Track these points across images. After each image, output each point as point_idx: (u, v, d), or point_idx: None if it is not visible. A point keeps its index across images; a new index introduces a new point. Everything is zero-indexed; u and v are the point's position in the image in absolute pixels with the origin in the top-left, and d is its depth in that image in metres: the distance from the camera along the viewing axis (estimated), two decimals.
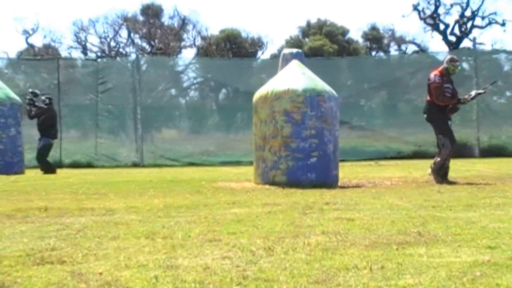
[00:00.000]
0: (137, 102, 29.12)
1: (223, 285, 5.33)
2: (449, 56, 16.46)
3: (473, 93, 16.53)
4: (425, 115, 16.12)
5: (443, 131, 15.61)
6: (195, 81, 34.89)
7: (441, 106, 15.62)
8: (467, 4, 53.65)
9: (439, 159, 15.59)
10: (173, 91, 33.90)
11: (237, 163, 25.18)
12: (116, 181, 17.76)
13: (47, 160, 22.48)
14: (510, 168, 17.35)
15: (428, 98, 15.91)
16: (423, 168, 20.80)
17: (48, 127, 22.59)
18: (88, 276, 5.64)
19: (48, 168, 22.19)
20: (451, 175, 16.04)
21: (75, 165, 25.79)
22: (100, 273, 5.76)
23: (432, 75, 15.91)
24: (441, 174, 15.40)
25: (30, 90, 23.84)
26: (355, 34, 54.36)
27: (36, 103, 22.67)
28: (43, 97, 22.89)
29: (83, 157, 27.61)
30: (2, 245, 7.23)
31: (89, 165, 26.66)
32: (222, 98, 33.08)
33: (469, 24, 54.26)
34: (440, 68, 16.08)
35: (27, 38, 55.53)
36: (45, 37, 56.09)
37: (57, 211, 10.23)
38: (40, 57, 45.95)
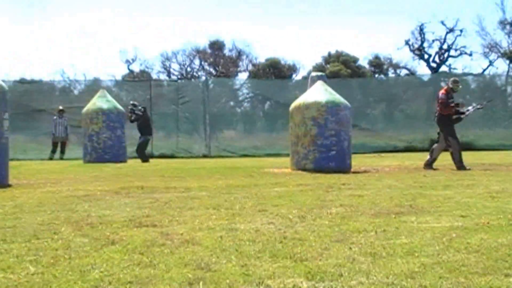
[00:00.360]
0: (206, 111, 29.17)
1: (269, 243, 5.33)
2: (452, 79, 16.41)
3: (471, 108, 16.36)
4: (436, 120, 15.98)
5: (451, 134, 15.44)
6: (247, 96, 34.86)
7: (449, 114, 15.47)
8: (444, 40, 53.34)
9: (455, 157, 15.50)
10: (231, 103, 33.92)
11: (278, 155, 25.10)
12: (191, 167, 17.81)
13: (144, 153, 22.60)
14: (476, 158, 17.21)
15: (439, 109, 15.77)
16: (413, 159, 20.64)
17: (144, 128, 22.77)
18: (172, 236, 5.66)
19: (144, 158, 22.32)
20: (443, 164, 15.91)
21: (162, 156, 25.86)
22: (181, 234, 5.78)
23: (440, 94, 15.80)
24: (461, 164, 15.27)
25: (131, 102, 24.05)
26: (363, 62, 53.98)
27: (135, 111, 22.85)
28: (140, 107, 23.08)
29: (168, 150, 27.66)
30: (112, 213, 7.28)
31: (172, 156, 26.71)
32: (267, 108, 32.99)
33: (446, 54, 53.91)
34: (446, 87, 15.92)
35: (128, 65, 55.92)
36: (141, 64, 56.37)
37: (150, 189, 10.29)
38: (137, 79, 46.24)
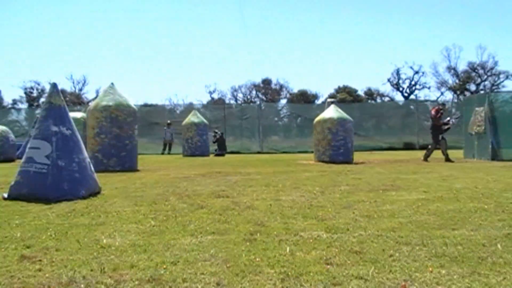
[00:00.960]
0: (260, 124, 29.13)
1: (301, 208, 5.33)
2: (441, 102, 16.18)
3: (454, 120, 15.94)
4: (430, 131, 15.44)
5: (434, 139, 14.96)
6: (286, 114, 34.70)
7: (438, 127, 15.01)
8: (412, 78, 53.10)
9: (428, 152, 15.18)
10: (276, 118, 33.71)
11: (306, 152, 24.96)
12: (250, 159, 17.86)
13: (222, 153, 22.37)
14: (433, 155, 16.88)
15: (431, 123, 15.37)
16: (393, 155, 20.34)
17: (221, 145, 22.84)
18: (239, 204, 5.70)
19: (221, 155, 22.31)
20: (412, 158, 15.64)
21: (231, 152, 25.76)
22: (245, 202, 5.81)
23: (433, 112, 15.35)
24: (426, 159, 14.95)
25: (214, 130, 24.01)
26: (360, 92, 53.55)
27: (216, 135, 22.99)
28: (219, 132, 23.26)
29: (235, 148, 27.50)
30: (201, 188, 7.35)
31: (238, 152, 26.73)
32: (299, 122, 32.76)
33: (413, 88, 53.54)
34: (436, 108, 15.43)
35: (210, 94, 56.27)
36: (218, 94, 56.61)
37: (224, 173, 10.36)
38: (216, 103, 46.46)
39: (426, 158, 15.09)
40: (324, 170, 11.23)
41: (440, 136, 15.13)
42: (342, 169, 11.46)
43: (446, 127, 15.37)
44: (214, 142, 23.17)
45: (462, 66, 52.27)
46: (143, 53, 77.07)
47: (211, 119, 27.34)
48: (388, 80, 54.42)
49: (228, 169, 11.96)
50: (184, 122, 22.65)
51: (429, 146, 15.38)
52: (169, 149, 26.25)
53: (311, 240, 3.81)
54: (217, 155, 22.28)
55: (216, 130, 23.97)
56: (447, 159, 14.66)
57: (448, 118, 15.99)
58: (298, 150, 27.00)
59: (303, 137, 28.89)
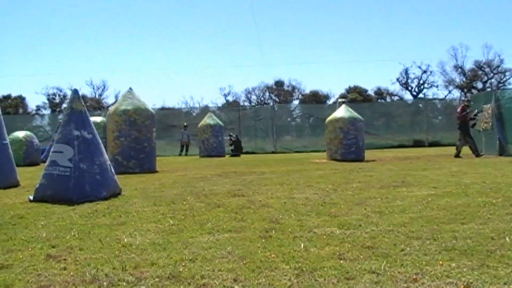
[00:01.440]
0: (273, 124, 29.03)
1: (314, 205, 5.32)
2: (467, 99, 15.79)
3: (478, 115, 15.52)
4: (458, 127, 15.08)
5: (467, 134, 14.68)
6: (299, 114, 34.56)
7: (466, 122, 14.80)
8: (420, 78, 52.57)
9: (472, 149, 14.59)
10: (289, 119, 33.51)
11: (318, 150, 24.84)
12: (264, 159, 17.83)
13: (237, 154, 22.42)
14: (442, 151, 16.73)
15: (458, 121, 15.03)
16: (403, 152, 20.20)
17: (237, 146, 22.83)
18: (254, 202, 5.70)
19: (236, 155, 22.28)
20: (421, 155, 15.49)
21: (246, 152, 25.61)
22: (260, 200, 5.82)
23: (459, 109, 15.16)
24: (476, 154, 14.41)
25: (229, 133, 23.89)
26: (370, 92, 53.21)
27: (231, 139, 22.93)
28: (234, 136, 23.25)
29: (250, 149, 27.29)
30: (217, 187, 7.37)
31: (252, 152, 26.64)
32: (311, 122, 32.57)
33: (421, 87, 53.05)
34: (462, 105, 15.27)
35: (225, 96, 56.22)
36: (233, 96, 56.50)
37: (240, 173, 10.36)
38: (230, 106, 46.43)
39: (476, 153, 14.67)
40: (336, 168, 11.19)
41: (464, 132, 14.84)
42: (354, 167, 11.40)
43: (473, 122, 15.14)
44: (230, 146, 23.20)
45: (468, 65, 51.79)
46: (159, 58, 77.53)
47: (226, 121, 27.35)
48: (397, 79, 54.04)
49: (243, 168, 11.97)
50: (200, 124, 22.72)
51: (468, 144, 14.94)
52: (186, 150, 26.34)
53: (324, 236, 3.80)
54: (232, 155, 22.25)
55: (231, 134, 23.99)
56: (457, 155, 14.49)
57: (476, 111, 15.61)
58: (310, 149, 26.90)
59: (316, 137, 28.72)
